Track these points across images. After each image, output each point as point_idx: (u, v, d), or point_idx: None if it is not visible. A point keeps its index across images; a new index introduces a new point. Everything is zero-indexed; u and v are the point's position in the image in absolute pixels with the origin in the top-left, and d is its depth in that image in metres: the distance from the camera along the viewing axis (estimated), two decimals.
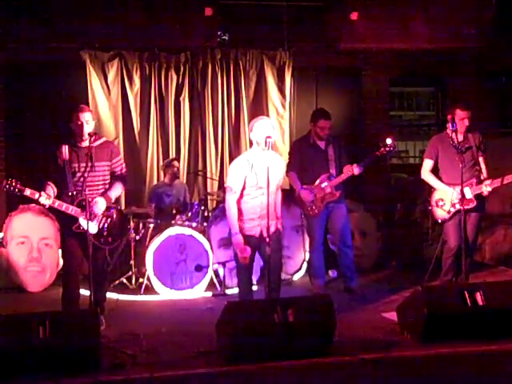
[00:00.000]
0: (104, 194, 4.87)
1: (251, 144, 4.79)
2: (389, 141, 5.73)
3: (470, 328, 4.26)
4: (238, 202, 4.64)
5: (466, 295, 4.28)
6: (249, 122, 7.58)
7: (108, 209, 4.91)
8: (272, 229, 4.65)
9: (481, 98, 8.25)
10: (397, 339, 4.41)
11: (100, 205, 4.81)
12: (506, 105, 8.51)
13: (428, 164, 5.65)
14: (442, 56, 8.04)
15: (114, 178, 4.99)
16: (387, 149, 5.72)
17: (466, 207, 5.26)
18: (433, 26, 7.62)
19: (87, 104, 7.01)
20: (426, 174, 5.65)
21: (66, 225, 4.84)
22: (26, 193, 4.62)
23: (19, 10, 6.97)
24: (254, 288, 5.05)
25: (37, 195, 4.63)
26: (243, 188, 4.62)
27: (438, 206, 5.52)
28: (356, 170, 5.72)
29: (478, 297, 4.28)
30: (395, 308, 4.72)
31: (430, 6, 7.59)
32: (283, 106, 7.77)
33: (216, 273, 6.35)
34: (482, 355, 4.08)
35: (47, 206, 4.70)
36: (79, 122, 4.77)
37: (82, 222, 4.68)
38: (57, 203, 4.70)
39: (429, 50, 7.85)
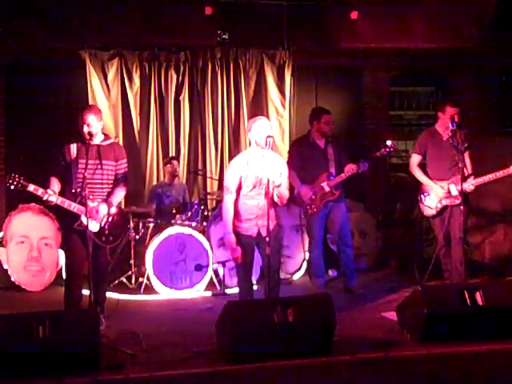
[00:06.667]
0: (107, 200, 4.88)
1: (250, 144, 4.78)
2: (389, 142, 5.75)
3: (469, 328, 4.25)
4: (236, 202, 4.61)
5: (466, 295, 4.28)
6: (249, 121, 7.59)
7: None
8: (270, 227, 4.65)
9: (481, 97, 8.24)
10: (396, 339, 4.41)
11: (101, 211, 4.83)
12: (506, 105, 8.50)
13: (415, 159, 5.78)
14: (442, 55, 8.03)
15: (116, 181, 5.00)
16: (387, 150, 5.74)
17: (451, 203, 5.42)
18: (433, 26, 7.61)
19: (87, 103, 7.02)
20: (414, 169, 5.78)
21: (68, 223, 4.83)
22: (29, 188, 4.56)
23: (19, 9, 6.96)
24: (254, 287, 5.05)
25: (40, 191, 4.60)
26: (240, 188, 4.60)
27: (425, 201, 5.59)
28: (364, 165, 5.71)
29: (478, 296, 4.28)
30: (395, 308, 4.72)
31: (430, 6, 7.58)
32: (283, 106, 7.76)
33: (216, 272, 6.35)
34: (481, 355, 4.08)
35: (53, 203, 4.67)
36: (82, 123, 4.82)
37: (84, 219, 4.67)
38: (59, 200, 4.69)
39: (429, 49, 7.84)
